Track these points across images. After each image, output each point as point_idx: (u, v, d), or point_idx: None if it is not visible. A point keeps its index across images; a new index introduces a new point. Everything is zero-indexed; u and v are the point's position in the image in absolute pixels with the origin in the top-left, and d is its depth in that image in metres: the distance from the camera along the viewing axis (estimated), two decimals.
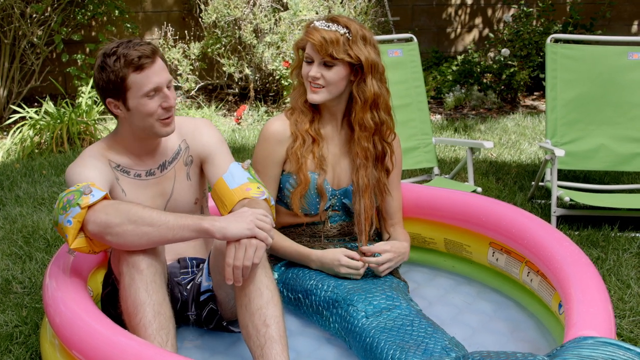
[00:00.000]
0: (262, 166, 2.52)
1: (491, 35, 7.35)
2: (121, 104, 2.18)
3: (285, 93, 6.37)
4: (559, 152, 3.60)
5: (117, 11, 6.38)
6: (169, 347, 1.98)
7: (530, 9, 6.92)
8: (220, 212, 2.24)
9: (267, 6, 6.41)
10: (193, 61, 6.74)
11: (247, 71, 6.57)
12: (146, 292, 2.00)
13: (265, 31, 6.36)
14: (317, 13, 6.26)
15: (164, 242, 2.04)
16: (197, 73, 6.86)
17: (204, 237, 2.06)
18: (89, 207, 2.00)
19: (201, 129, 2.38)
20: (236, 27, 6.44)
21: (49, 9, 6.19)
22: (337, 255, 2.43)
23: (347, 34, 2.39)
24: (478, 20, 7.90)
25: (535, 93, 7.36)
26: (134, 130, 2.23)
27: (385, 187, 2.58)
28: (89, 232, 2.02)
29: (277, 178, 2.54)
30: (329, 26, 2.40)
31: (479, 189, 3.52)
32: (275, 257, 2.58)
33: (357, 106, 2.46)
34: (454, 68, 7.19)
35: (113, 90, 2.15)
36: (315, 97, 2.45)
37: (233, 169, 2.28)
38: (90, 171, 2.17)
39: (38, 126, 5.49)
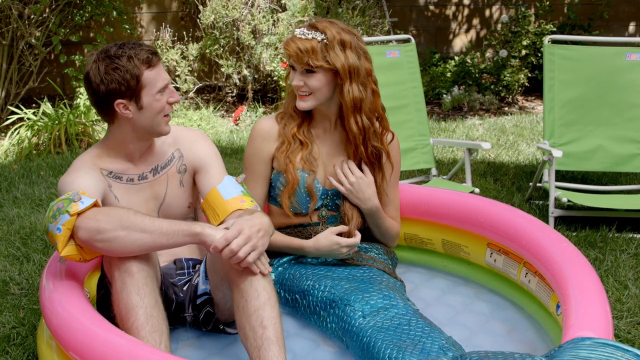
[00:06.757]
0: (251, 164, 2.55)
1: (489, 37, 7.35)
2: (133, 103, 2.17)
3: (283, 94, 6.36)
4: (557, 153, 3.60)
5: (115, 12, 6.38)
6: (163, 348, 1.97)
7: (528, 10, 6.92)
8: (211, 222, 2.23)
9: (265, 7, 6.41)
10: (191, 62, 6.74)
11: (246, 72, 6.57)
12: (138, 295, 2.00)
13: (264, 32, 6.37)
14: (315, 14, 6.26)
15: (158, 248, 2.04)
16: (195, 74, 6.86)
17: (196, 242, 2.06)
18: (79, 214, 2.00)
19: (197, 140, 2.39)
20: (234, 28, 6.44)
21: (47, 10, 6.18)
22: (334, 239, 2.45)
23: (324, 40, 2.38)
24: (476, 21, 7.90)
25: (533, 94, 7.36)
26: (136, 129, 2.23)
27: (380, 189, 2.59)
28: (79, 239, 2.01)
29: (266, 176, 2.56)
30: (305, 34, 2.39)
31: (477, 190, 3.52)
32: (271, 258, 2.57)
33: (343, 111, 2.47)
34: (452, 69, 7.19)
35: (126, 90, 2.14)
36: (302, 104, 2.46)
37: (227, 181, 2.29)
38: (82, 180, 2.17)
39: (36, 127, 5.48)
